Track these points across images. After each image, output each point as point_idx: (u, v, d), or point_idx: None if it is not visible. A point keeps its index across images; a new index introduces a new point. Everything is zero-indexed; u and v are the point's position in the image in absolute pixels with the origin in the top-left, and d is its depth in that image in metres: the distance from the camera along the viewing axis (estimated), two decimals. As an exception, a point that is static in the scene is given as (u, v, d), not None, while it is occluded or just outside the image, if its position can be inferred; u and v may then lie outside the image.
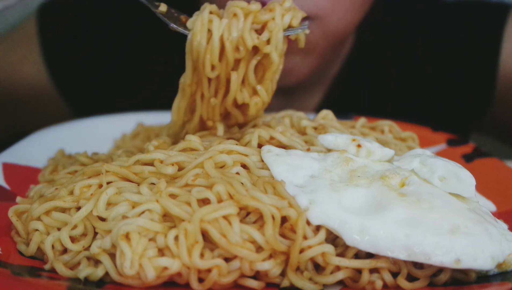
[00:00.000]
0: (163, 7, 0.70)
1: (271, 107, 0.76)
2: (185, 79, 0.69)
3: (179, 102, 0.72)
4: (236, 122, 0.73)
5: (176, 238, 0.55)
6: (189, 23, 0.67)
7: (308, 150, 0.68)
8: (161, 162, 0.64)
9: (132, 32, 1.17)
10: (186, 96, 0.70)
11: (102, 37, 1.17)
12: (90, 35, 1.18)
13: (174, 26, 0.68)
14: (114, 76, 1.18)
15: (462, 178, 0.63)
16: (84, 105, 1.20)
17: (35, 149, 0.84)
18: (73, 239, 0.60)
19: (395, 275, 0.57)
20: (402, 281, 0.57)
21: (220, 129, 0.72)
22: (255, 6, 0.66)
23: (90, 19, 1.18)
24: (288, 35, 0.67)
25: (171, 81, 1.18)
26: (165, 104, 1.04)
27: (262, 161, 0.65)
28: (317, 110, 1.05)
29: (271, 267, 0.56)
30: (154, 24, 1.14)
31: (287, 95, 1.06)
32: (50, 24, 1.17)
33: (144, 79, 1.18)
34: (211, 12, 0.66)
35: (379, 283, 0.56)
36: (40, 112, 1.21)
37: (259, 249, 0.56)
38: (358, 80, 1.12)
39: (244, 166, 0.64)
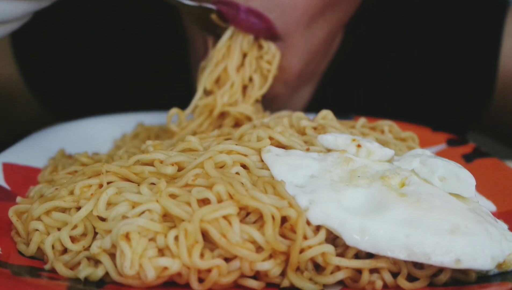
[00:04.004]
0: None
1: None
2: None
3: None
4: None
5: (176, 238, 0.55)
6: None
7: (308, 150, 0.68)
8: (161, 162, 0.64)
9: (113, 30, 1.15)
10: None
11: (79, 36, 1.15)
12: (66, 35, 1.15)
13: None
14: (93, 79, 1.17)
15: (462, 178, 0.63)
16: (59, 108, 1.18)
17: (35, 149, 0.84)
18: (73, 239, 0.60)
19: (395, 275, 0.57)
20: (402, 281, 0.57)
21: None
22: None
23: (65, 18, 1.15)
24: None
25: (155, 84, 1.16)
26: (152, 106, 1.03)
27: (262, 161, 0.65)
28: (307, 109, 1.05)
29: (271, 267, 0.56)
30: (139, 21, 1.13)
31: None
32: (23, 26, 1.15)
33: (123, 82, 1.16)
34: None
35: (379, 283, 0.56)
36: (15, 114, 1.19)
37: (259, 249, 0.56)
38: (351, 79, 1.11)
39: (244, 166, 0.64)
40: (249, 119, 0.84)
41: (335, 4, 0.90)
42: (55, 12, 1.15)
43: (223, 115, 0.85)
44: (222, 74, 0.86)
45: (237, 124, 0.84)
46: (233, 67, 0.85)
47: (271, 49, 0.87)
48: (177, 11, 1.02)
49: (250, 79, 0.87)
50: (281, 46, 0.87)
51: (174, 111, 0.85)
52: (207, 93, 0.86)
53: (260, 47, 0.87)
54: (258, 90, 0.86)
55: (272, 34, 0.86)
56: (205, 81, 0.86)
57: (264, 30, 0.85)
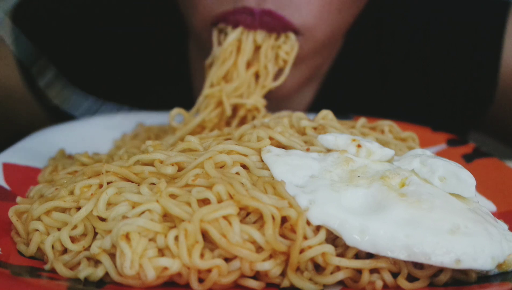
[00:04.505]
0: None
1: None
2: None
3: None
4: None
5: (176, 238, 0.55)
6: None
7: (308, 150, 0.68)
8: (161, 162, 0.64)
9: (113, 30, 1.15)
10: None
11: (80, 38, 1.16)
12: (66, 36, 1.16)
13: None
14: (93, 79, 1.17)
15: (462, 178, 0.63)
16: (58, 109, 1.18)
17: (35, 149, 0.84)
18: (73, 239, 0.60)
19: (395, 275, 0.57)
20: (402, 281, 0.57)
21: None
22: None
23: (67, 24, 1.16)
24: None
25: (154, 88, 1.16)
26: (152, 106, 1.04)
27: (262, 161, 0.65)
28: (309, 110, 1.05)
29: (271, 267, 0.56)
30: (139, 21, 1.14)
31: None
32: (24, 27, 1.15)
33: (123, 82, 1.17)
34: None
35: (379, 283, 0.56)
36: (15, 115, 1.19)
37: (259, 249, 0.56)
38: (353, 79, 1.11)
39: (244, 166, 0.64)
40: (258, 110, 0.84)
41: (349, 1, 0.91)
42: (55, 12, 1.16)
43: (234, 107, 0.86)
44: (231, 68, 0.85)
45: (242, 120, 0.85)
46: (243, 62, 0.84)
47: (291, 39, 0.86)
48: (178, 11, 1.02)
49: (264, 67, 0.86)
50: (300, 39, 0.87)
51: (176, 111, 0.84)
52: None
53: (278, 36, 0.86)
54: (272, 81, 0.85)
55: (290, 30, 0.86)
56: (212, 77, 0.85)
57: (279, 27, 0.85)
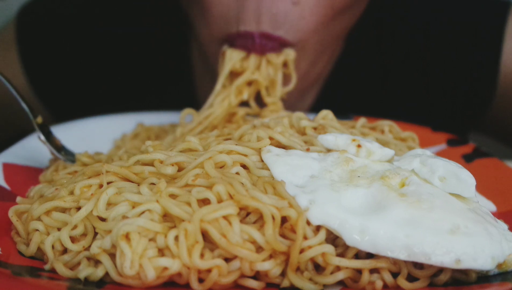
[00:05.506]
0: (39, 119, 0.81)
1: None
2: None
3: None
4: None
5: (176, 238, 0.55)
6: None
7: (308, 150, 0.68)
8: (161, 162, 0.64)
9: (113, 37, 1.16)
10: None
11: (81, 37, 1.17)
12: (69, 41, 1.17)
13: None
14: (93, 82, 1.18)
15: (462, 178, 0.63)
16: (63, 110, 1.19)
17: (35, 149, 0.84)
18: (73, 239, 0.60)
19: (395, 275, 0.57)
20: (402, 281, 0.57)
21: None
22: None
23: (69, 25, 1.17)
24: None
25: (154, 89, 1.17)
26: (152, 106, 1.04)
27: (262, 161, 0.65)
28: (311, 111, 1.05)
29: (271, 267, 0.56)
30: (140, 22, 1.14)
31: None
32: (28, 30, 1.16)
33: (123, 86, 1.17)
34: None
35: (379, 283, 0.56)
36: (18, 117, 1.20)
37: (259, 249, 0.56)
38: (353, 80, 1.11)
39: (244, 166, 0.64)
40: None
41: (344, 10, 0.91)
42: (56, 13, 1.16)
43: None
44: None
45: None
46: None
47: (288, 53, 0.89)
48: (179, 11, 1.02)
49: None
50: (295, 50, 0.89)
51: (187, 111, 0.85)
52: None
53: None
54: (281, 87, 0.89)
55: (287, 46, 0.88)
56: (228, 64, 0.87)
57: (277, 47, 0.87)
